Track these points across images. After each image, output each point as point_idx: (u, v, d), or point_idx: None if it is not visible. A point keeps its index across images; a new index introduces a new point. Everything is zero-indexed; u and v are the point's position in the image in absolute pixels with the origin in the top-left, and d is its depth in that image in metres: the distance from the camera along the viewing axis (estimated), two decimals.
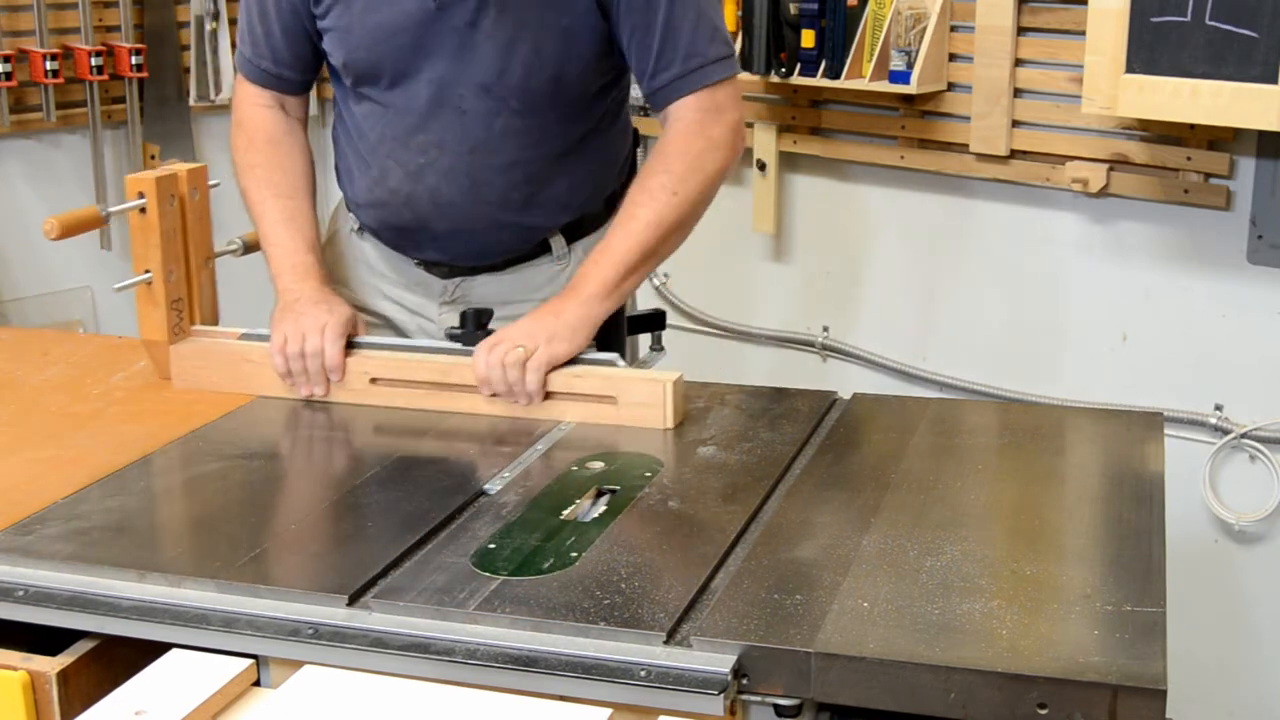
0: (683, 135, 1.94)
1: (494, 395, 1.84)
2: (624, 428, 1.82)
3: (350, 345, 1.93)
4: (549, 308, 1.89)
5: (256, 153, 2.08)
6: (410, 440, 1.83)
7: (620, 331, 2.02)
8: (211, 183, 2.08)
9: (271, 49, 2.07)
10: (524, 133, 1.97)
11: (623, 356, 1.92)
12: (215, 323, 2.09)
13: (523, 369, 1.81)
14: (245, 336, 2.00)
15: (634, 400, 1.82)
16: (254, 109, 2.10)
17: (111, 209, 2.06)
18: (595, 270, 1.90)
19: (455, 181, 1.99)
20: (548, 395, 1.84)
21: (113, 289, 2.01)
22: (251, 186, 2.07)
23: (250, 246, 2.17)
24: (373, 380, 1.91)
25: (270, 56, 2.07)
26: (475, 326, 1.91)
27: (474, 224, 2.02)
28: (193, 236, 2.03)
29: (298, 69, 2.09)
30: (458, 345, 1.92)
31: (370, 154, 2.03)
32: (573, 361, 1.86)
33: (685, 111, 1.95)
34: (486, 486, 1.65)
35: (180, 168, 2.02)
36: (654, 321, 2.19)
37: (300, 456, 1.87)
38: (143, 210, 1.96)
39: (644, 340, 2.49)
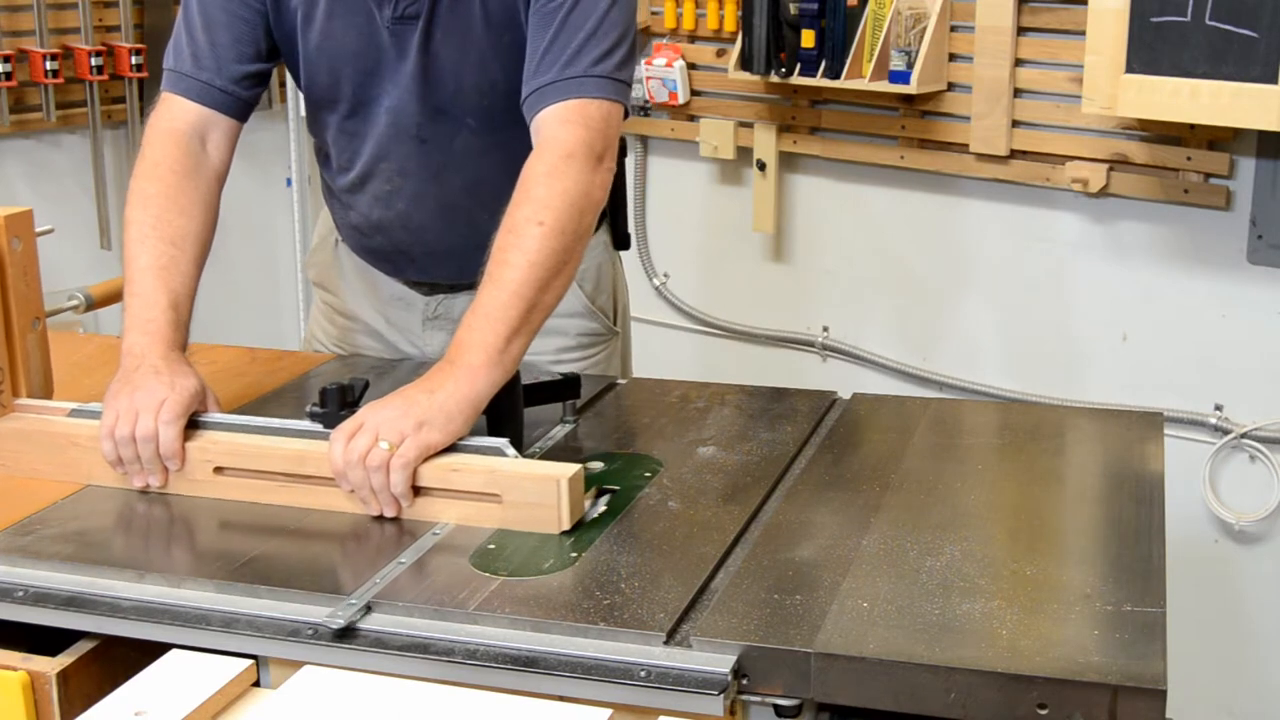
0: (544, 155, 1.72)
1: (354, 492, 1.56)
2: (512, 532, 1.53)
3: (194, 424, 1.65)
4: (422, 384, 1.59)
5: (157, 182, 1.80)
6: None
7: (515, 406, 1.69)
8: (42, 229, 1.78)
9: (217, 61, 1.86)
10: (485, 151, 1.92)
11: (517, 439, 1.66)
12: (48, 394, 1.78)
13: (386, 470, 1.52)
14: (76, 413, 1.70)
15: (522, 499, 1.52)
16: (170, 135, 1.84)
17: None
18: (473, 336, 1.61)
19: (424, 206, 1.96)
20: (419, 491, 1.55)
21: None
22: (135, 220, 1.78)
23: (98, 301, 1.88)
24: (217, 470, 1.62)
25: (214, 69, 1.86)
26: (339, 406, 1.60)
27: (448, 246, 1.99)
28: (14, 294, 1.71)
29: (242, 85, 1.89)
30: (318, 427, 1.61)
31: (340, 180, 2.00)
32: (454, 448, 1.57)
33: (551, 126, 1.73)
34: (325, 618, 1.35)
35: None
36: (565, 389, 1.82)
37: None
38: None
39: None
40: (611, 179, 1.78)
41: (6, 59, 3.47)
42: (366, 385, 1.65)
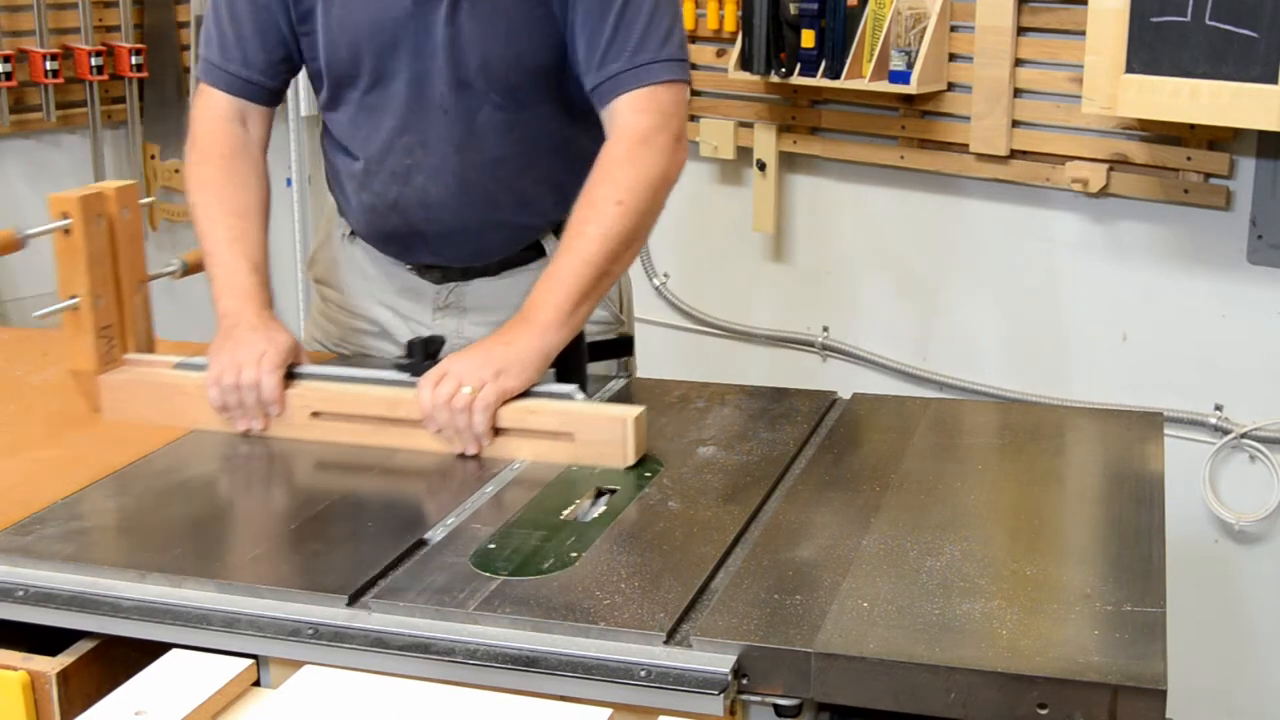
0: (623, 141, 1.85)
1: (440, 432, 1.73)
2: (581, 467, 1.70)
3: (291, 375, 1.81)
4: (500, 337, 1.76)
5: (211, 166, 1.97)
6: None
7: (580, 360, 1.86)
8: (144, 200, 1.97)
9: (243, 52, 1.97)
10: (508, 128, 1.95)
11: (583, 387, 1.79)
12: (150, 350, 1.97)
13: (469, 411, 1.69)
14: (180, 366, 1.87)
15: (592, 437, 1.70)
16: (214, 122, 1.99)
17: (30, 231, 1.93)
18: (547, 296, 1.78)
19: (442, 181, 1.97)
20: (499, 431, 1.71)
21: (33, 316, 1.90)
22: (201, 202, 1.95)
23: (191, 268, 2.06)
24: (314, 414, 1.79)
25: (241, 60, 1.98)
26: (424, 356, 1.79)
27: (464, 224, 2.00)
28: (123, 259, 1.91)
29: (269, 74, 2.00)
30: (405, 376, 1.78)
31: (357, 158, 2.01)
32: (528, 394, 1.73)
33: (627, 113, 1.86)
34: (427, 535, 1.52)
35: (109, 186, 1.91)
36: (619, 348, 2.02)
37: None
38: (67, 231, 1.84)
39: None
40: (686, 156, 1.91)
41: (6, 59, 3.47)
42: (443, 341, 1.83)
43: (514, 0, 1.87)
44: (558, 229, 2.04)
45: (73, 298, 1.87)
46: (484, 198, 1.98)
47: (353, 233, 2.12)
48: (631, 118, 1.86)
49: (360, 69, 1.94)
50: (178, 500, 1.68)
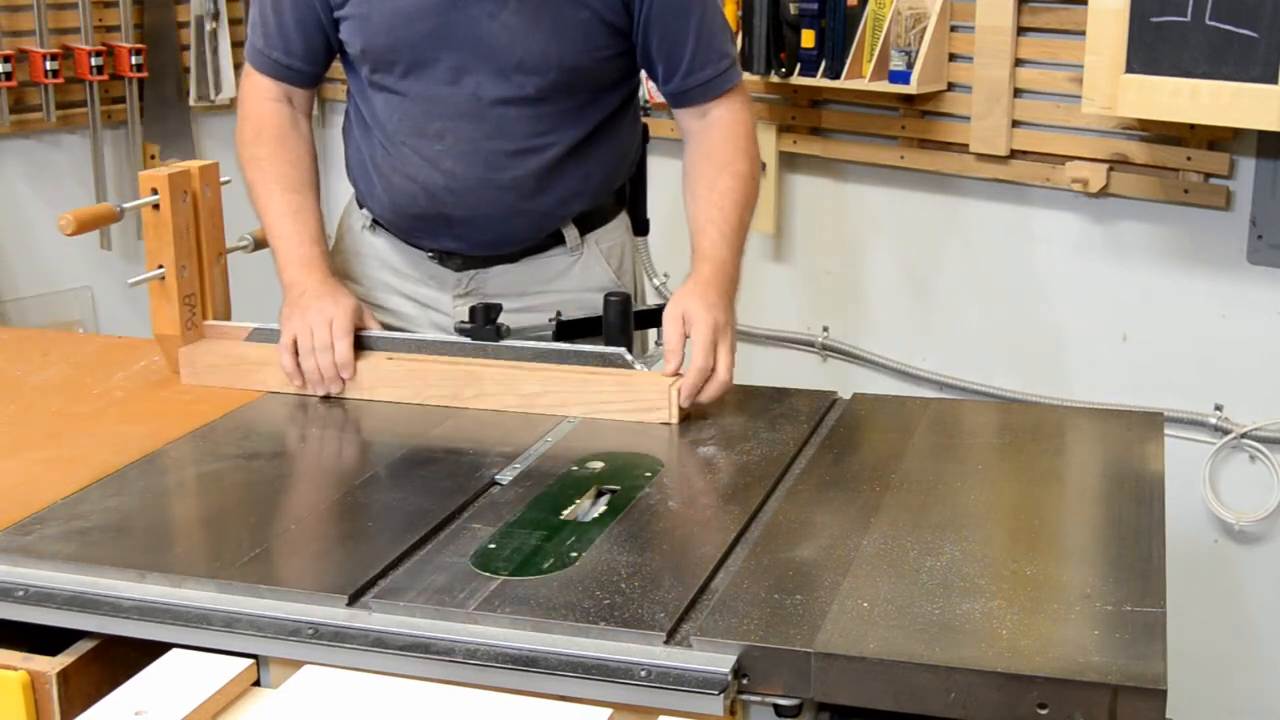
0: (732, 126, 2.04)
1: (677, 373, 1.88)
2: (629, 423, 1.84)
3: (358, 338, 1.95)
4: (711, 289, 1.93)
5: (263, 145, 2.08)
6: (418, 435, 1.83)
7: (627, 325, 2.01)
8: (223, 180, 2.09)
9: (283, 40, 2.06)
10: (539, 119, 2.00)
11: (629, 352, 1.93)
12: (228, 318, 2.10)
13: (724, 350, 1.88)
14: (256, 331, 2.02)
15: (641, 396, 1.85)
16: (262, 102, 2.10)
17: (126, 205, 2.08)
18: (725, 257, 1.98)
19: (471, 167, 2.01)
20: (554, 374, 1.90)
21: (127, 283, 2.03)
22: (258, 179, 2.07)
23: (260, 243, 2.18)
24: (389, 357, 1.94)
25: (282, 47, 2.07)
26: (485, 321, 1.94)
27: (490, 210, 2.04)
28: (205, 233, 2.05)
29: (308, 61, 2.08)
30: (466, 340, 1.95)
31: (388, 142, 2.05)
32: (581, 355, 1.90)
33: (725, 111, 2.05)
34: (498, 477, 1.67)
35: (193, 165, 2.04)
36: (659, 316, 2.19)
37: (306, 454, 1.85)
38: (156, 207, 1.98)
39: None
40: None
41: (6, 59, 3.47)
42: (501, 308, 1.98)
43: (559, 2, 1.93)
44: (579, 219, 2.12)
45: (159, 268, 2.00)
46: (511, 184, 2.03)
47: (374, 224, 2.15)
48: (731, 116, 2.05)
49: (398, 55, 1.99)
50: (178, 500, 1.68)
